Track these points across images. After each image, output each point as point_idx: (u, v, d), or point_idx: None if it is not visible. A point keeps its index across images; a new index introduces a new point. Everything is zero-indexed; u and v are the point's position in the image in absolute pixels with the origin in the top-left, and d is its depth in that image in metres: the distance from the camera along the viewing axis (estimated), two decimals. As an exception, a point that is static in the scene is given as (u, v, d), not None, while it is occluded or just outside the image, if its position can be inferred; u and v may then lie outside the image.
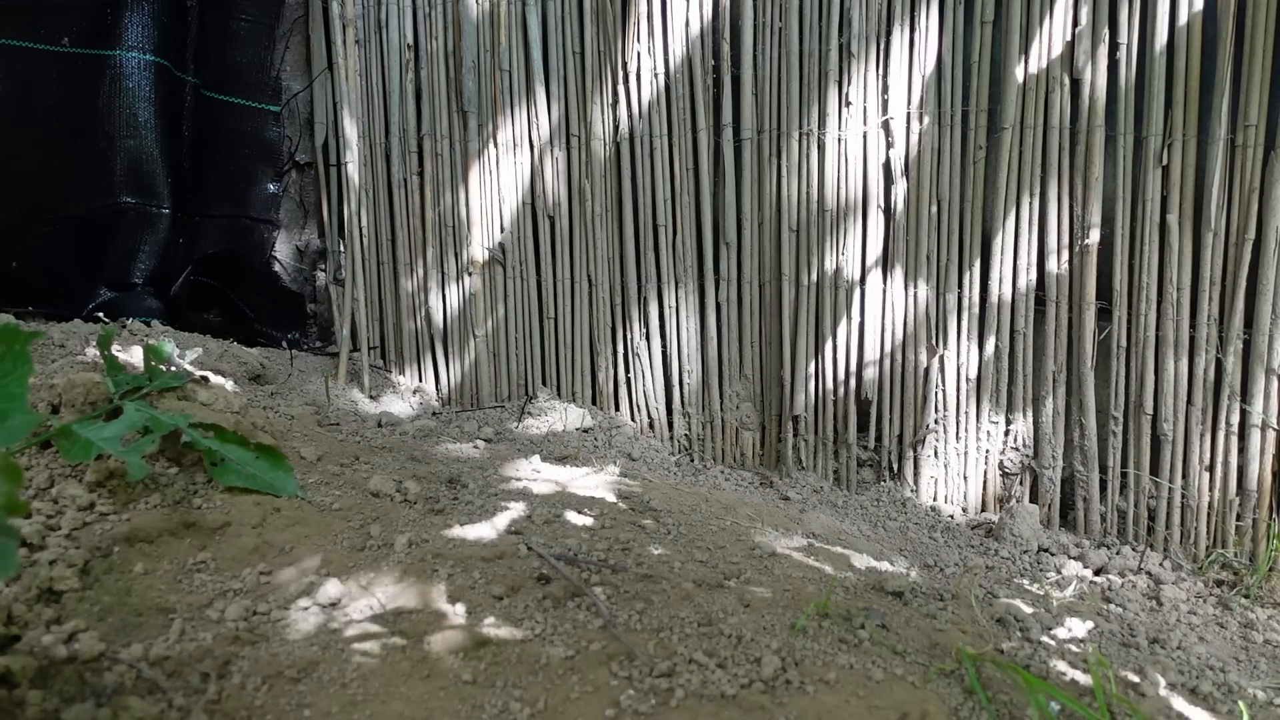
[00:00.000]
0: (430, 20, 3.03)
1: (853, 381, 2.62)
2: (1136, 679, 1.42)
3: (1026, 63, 2.33)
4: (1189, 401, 2.27)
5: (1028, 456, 2.46)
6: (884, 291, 2.55)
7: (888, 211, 2.53)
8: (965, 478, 2.54)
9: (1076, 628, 1.60)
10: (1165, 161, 2.22)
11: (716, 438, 2.84)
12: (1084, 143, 2.29)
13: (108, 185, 2.96)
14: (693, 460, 2.84)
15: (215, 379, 2.00)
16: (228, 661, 1.20)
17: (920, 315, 2.52)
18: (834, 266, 2.59)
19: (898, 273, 2.53)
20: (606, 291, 2.91)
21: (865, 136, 2.52)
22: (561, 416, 2.91)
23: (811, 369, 2.66)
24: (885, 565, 1.89)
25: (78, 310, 2.90)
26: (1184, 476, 2.28)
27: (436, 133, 3.07)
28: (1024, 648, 1.41)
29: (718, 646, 1.26)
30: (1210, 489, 2.26)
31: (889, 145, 2.50)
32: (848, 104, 2.52)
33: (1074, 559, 2.26)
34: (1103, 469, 2.38)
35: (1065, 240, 2.35)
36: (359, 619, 1.31)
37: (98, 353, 2.00)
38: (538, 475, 2.15)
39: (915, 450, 2.58)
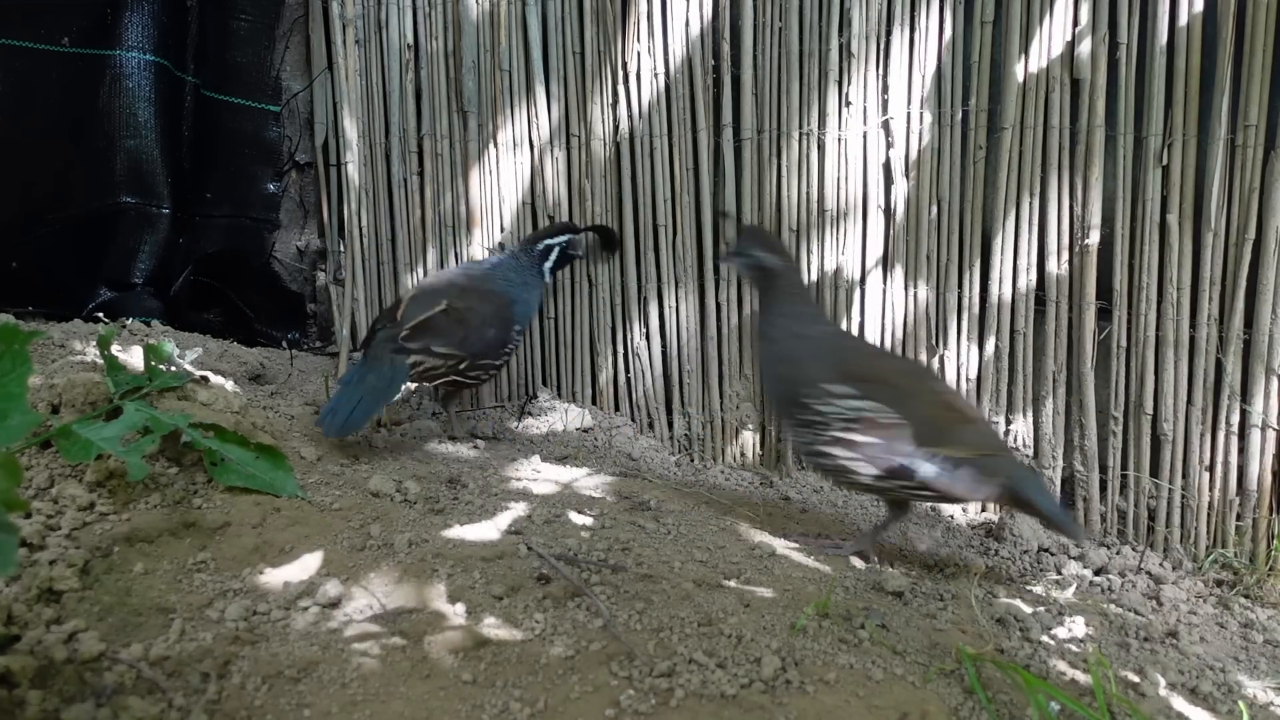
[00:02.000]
0: (430, 20, 3.03)
1: (853, 381, 2.62)
2: (1136, 679, 1.42)
3: (1026, 62, 2.33)
4: (1189, 401, 2.27)
5: (1028, 456, 2.46)
6: (884, 291, 2.55)
7: (888, 212, 2.53)
8: (965, 478, 2.53)
9: (1076, 628, 1.60)
10: (1165, 161, 2.22)
11: (716, 438, 2.84)
12: (1084, 143, 2.29)
13: (108, 185, 2.96)
14: (693, 460, 2.84)
15: (215, 379, 2.00)
16: (228, 661, 1.20)
17: (920, 315, 2.52)
18: (834, 266, 2.59)
19: (898, 273, 2.53)
20: (606, 291, 2.91)
21: (865, 136, 2.52)
22: (562, 416, 2.91)
23: (811, 369, 2.66)
24: (885, 565, 1.89)
25: (78, 310, 2.90)
26: (1184, 476, 2.28)
27: (436, 133, 3.07)
28: (1024, 648, 1.41)
29: (718, 646, 1.26)
30: (1210, 489, 2.26)
31: (889, 145, 2.50)
32: (848, 104, 2.52)
33: (1074, 559, 2.26)
34: (1103, 469, 2.38)
35: (1065, 240, 2.35)
36: (359, 619, 1.31)
37: (98, 353, 2.00)
38: (538, 475, 2.16)
39: (915, 450, 2.58)
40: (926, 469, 1.78)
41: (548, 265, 2.72)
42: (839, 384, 1.82)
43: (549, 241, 2.71)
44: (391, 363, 2.31)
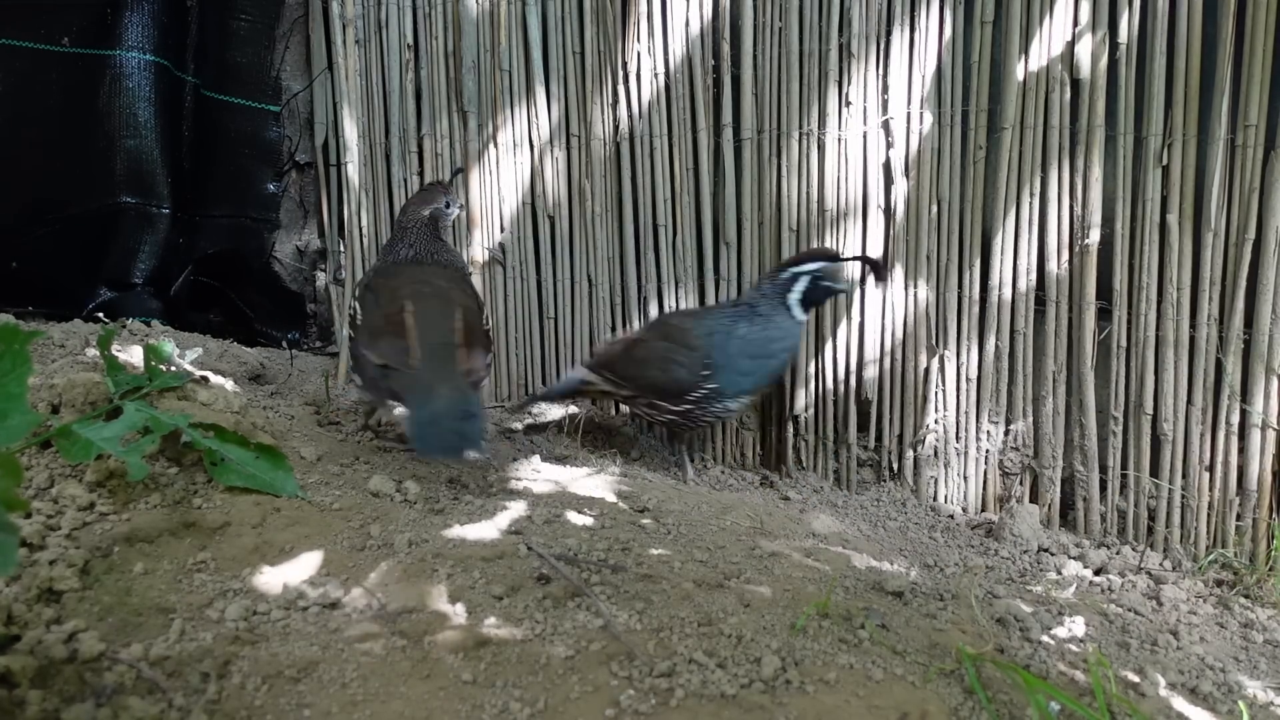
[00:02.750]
0: (430, 20, 3.03)
1: (853, 381, 2.62)
2: (1136, 679, 1.42)
3: (1026, 62, 2.33)
4: (1189, 401, 2.27)
5: (1028, 456, 2.46)
6: (884, 291, 2.55)
7: (888, 211, 2.53)
8: (965, 478, 2.53)
9: (1076, 628, 1.60)
10: (1165, 161, 2.22)
11: (716, 438, 2.84)
12: (1084, 143, 2.29)
13: (108, 185, 2.96)
14: (693, 460, 2.84)
15: (215, 379, 2.00)
16: (228, 661, 1.20)
17: (920, 315, 2.52)
18: (834, 266, 2.59)
19: (898, 272, 2.53)
20: (606, 291, 2.91)
21: (865, 136, 2.52)
22: (562, 417, 2.90)
23: (811, 369, 2.66)
24: (885, 565, 1.89)
25: (78, 310, 2.90)
26: (1184, 476, 2.28)
27: (436, 133, 3.07)
28: (1024, 647, 1.41)
29: (718, 646, 1.26)
30: (1210, 489, 2.26)
31: (889, 145, 2.50)
32: (848, 104, 2.52)
33: (1074, 559, 2.26)
34: (1103, 469, 2.38)
35: (1065, 240, 2.35)
36: (359, 619, 1.31)
37: (98, 353, 2.00)
38: (538, 475, 2.15)
39: (915, 450, 2.58)
40: (366, 365, 2.04)
41: (794, 297, 2.38)
42: (359, 288, 2.25)
43: (797, 270, 2.38)
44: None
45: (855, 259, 2.48)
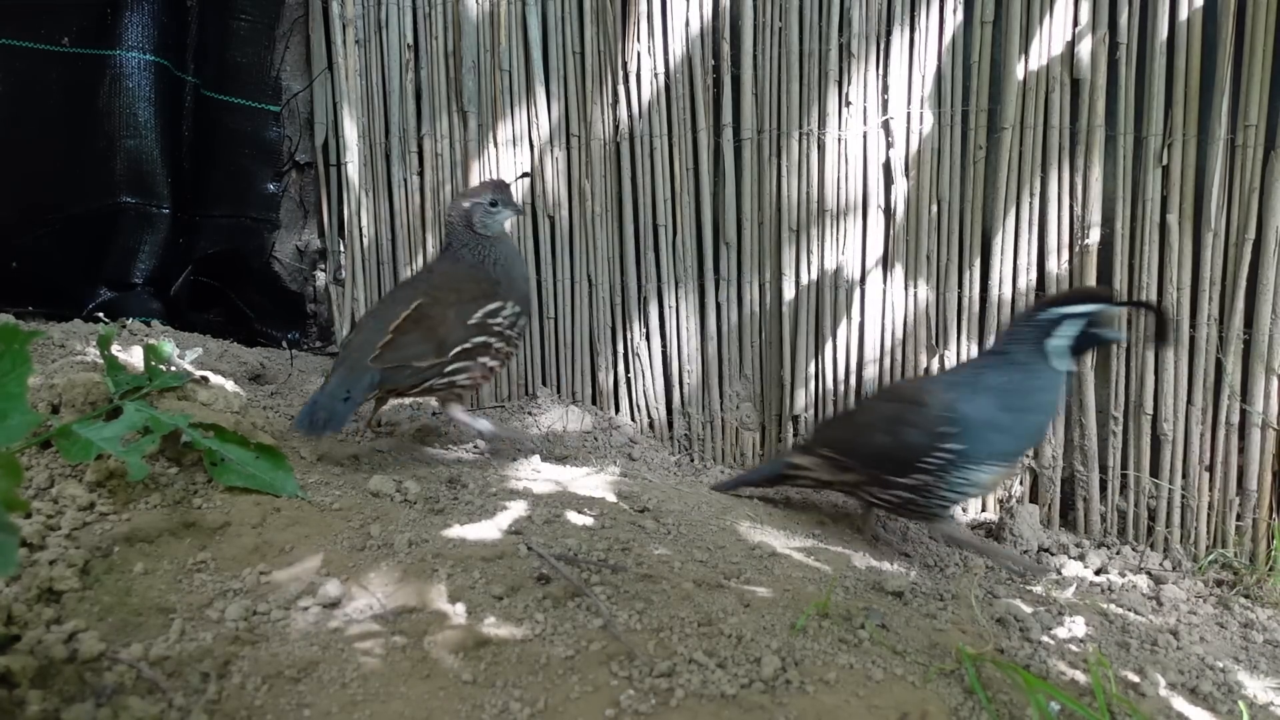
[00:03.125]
0: (430, 20, 3.03)
1: (853, 381, 2.62)
2: (1136, 679, 1.42)
3: (1026, 62, 2.33)
4: (1189, 401, 2.27)
5: (1028, 456, 2.46)
6: (884, 291, 2.55)
7: (888, 211, 2.53)
8: (965, 478, 2.53)
9: (1076, 628, 1.60)
10: (1165, 161, 2.22)
11: (716, 438, 2.84)
12: (1084, 143, 2.29)
13: (108, 185, 2.96)
14: (693, 460, 2.84)
15: (215, 379, 2.00)
16: (228, 661, 1.20)
17: (920, 315, 2.52)
18: (834, 266, 2.59)
19: (898, 272, 2.53)
20: (606, 291, 2.91)
21: (865, 136, 2.52)
22: (562, 416, 2.91)
23: (811, 369, 2.66)
24: (885, 565, 1.89)
25: (78, 310, 2.90)
26: (1184, 476, 2.28)
27: (436, 133, 3.07)
28: (1024, 647, 1.41)
29: (718, 646, 1.26)
30: (1210, 489, 2.26)
31: (889, 145, 2.50)
32: (848, 104, 2.52)
33: (1074, 559, 2.26)
34: (1103, 469, 2.38)
35: (1065, 240, 2.35)
36: (359, 619, 1.31)
37: (98, 353, 2.00)
38: (538, 475, 2.15)
39: (915, 450, 2.58)
40: None
41: (1056, 343, 1.91)
42: None
43: (1064, 310, 1.91)
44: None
45: (1135, 305, 2.15)
